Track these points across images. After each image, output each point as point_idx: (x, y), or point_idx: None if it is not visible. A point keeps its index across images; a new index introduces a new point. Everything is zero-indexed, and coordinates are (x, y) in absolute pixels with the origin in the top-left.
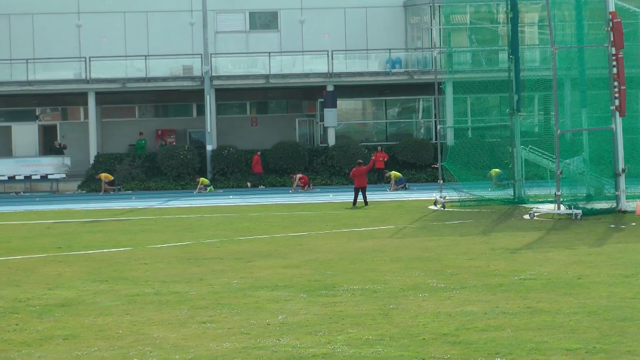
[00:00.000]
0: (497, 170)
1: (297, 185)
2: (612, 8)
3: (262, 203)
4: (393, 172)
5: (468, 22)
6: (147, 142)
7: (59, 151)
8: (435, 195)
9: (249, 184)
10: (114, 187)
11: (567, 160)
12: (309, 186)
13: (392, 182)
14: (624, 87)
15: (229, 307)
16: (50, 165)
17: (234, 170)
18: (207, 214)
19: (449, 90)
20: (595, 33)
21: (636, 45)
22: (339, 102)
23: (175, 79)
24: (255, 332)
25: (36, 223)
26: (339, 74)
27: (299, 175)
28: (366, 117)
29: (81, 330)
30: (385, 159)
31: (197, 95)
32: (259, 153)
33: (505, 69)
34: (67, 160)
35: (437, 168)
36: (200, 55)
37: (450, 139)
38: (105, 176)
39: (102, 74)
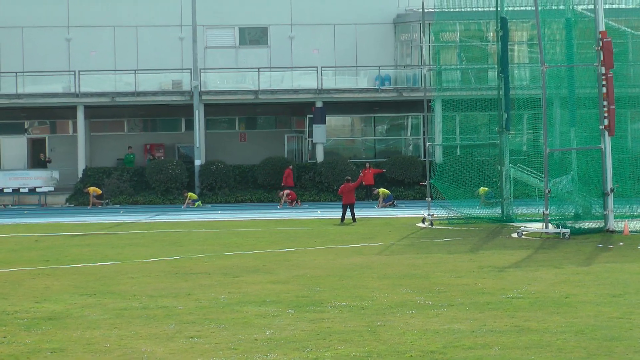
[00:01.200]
0: (485, 188)
1: (284, 202)
2: (602, 27)
3: (249, 218)
4: (381, 189)
5: (458, 39)
6: (136, 156)
7: (44, 165)
8: (423, 212)
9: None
10: (102, 201)
11: (556, 179)
12: (296, 202)
13: (381, 199)
14: (614, 107)
15: (216, 322)
16: (38, 179)
17: (222, 186)
18: (195, 229)
19: (438, 107)
20: (585, 52)
21: (626, 65)
22: (327, 118)
23: (164, 93)
24: (243, 348)
25: (24, 236)
26: (328, 90)
27: (286, 192)
28: (355, 134)
29: (69, 343)
30: (379, 173)
31: (186, 110)
32: (290, 167)
33: (495, 87)
34: (56, 174)
35: (425, 185)
36: (189, 70)
37: (438, 157)
38: (93, 190)
39: (92, 87)
